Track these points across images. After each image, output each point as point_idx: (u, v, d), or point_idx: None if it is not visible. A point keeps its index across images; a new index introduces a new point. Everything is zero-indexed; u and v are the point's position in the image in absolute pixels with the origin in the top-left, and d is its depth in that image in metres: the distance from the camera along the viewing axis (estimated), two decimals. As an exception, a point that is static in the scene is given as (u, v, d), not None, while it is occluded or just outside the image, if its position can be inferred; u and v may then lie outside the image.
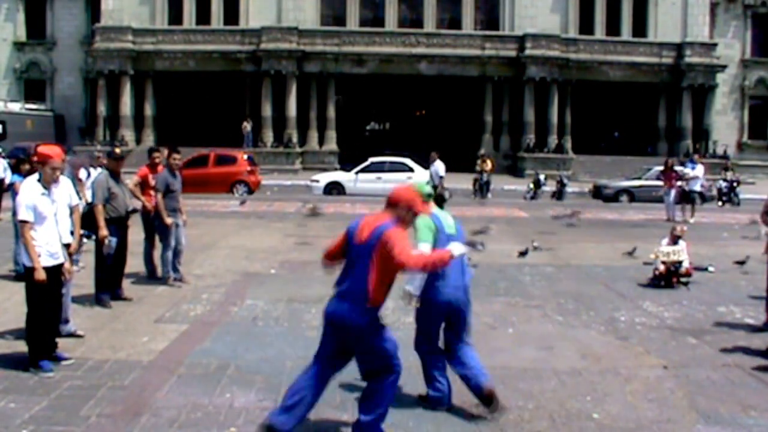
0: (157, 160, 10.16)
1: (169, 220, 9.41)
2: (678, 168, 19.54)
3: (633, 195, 25.78)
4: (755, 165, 41.16)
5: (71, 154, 24.87)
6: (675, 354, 7.01)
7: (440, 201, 19.51)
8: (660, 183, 21.13)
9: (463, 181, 28.19)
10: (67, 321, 7.02)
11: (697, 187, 19.46)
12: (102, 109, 38.00)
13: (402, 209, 4.64)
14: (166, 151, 9.92)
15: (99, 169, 10.73)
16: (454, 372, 5.43)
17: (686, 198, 19.17)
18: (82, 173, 11.99)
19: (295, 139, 37.56)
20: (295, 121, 37.71)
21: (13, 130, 33.57)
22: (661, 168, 20.77)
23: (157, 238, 9.87)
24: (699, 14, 40.73)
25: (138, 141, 37.65)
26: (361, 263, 4.53)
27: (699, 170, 19.55)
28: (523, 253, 12.27)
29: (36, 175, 6.26)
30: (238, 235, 14.45)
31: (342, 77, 38.22)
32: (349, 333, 4.61)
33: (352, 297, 4.57)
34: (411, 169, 26.01)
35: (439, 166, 17.25)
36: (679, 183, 19.16)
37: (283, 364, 6.37)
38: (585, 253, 13.28)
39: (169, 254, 9.61)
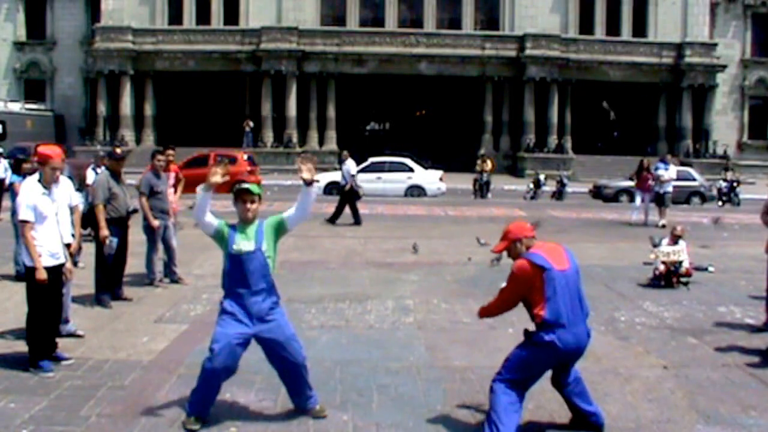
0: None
1: (155, 223, 9.39)
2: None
3: (633, 195, 25.73)
4: (755, 165, 41.18)
5: (72, 155, 24.89)
6: (675, 354, 7.01)
7: (354, 197, 19.77)
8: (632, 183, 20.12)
9: (463, 181, 28.20)
10: (67, 321, 7.02)
11: (670, 189, 17.96)
12: (102, 109, 38.04)
13: (520, 243, 4.97)
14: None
15: (102, 169, 10.72)
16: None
17: (659, 200, 17.82)
18: (90, 173, 11.98)
19: (295, 139, 37.58)
20: (295, 121, 37.75)
21: (13, 130, 33.56)
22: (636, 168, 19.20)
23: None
24: (699, 14, 40.77)
25: (138, 141, 37.68)
26: (574, 286, 4.87)
27: (672, 172, 18.09)
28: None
29: (36, 175, 6.26)
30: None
31: (342, 77, 38.23)
32: (581, 353, 4.99)
33: (582, 319, 4.93)
34: (411, 169, 26.01)
35: (350, 164, 17.40)
36: (650, 183, 18.02)
37: (283, 364, 6.37)
38: (585, 253, 13.27)
39: (155, 256, 9.58)
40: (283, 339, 5.08)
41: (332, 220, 16.60)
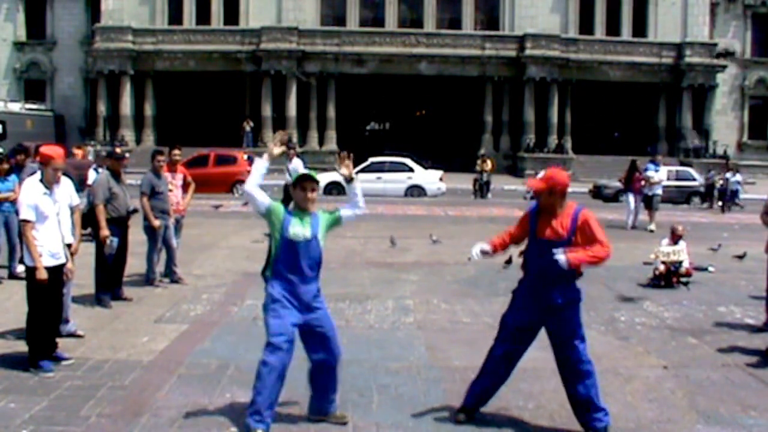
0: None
1: (156, 223, 9.39)
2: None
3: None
4: (755, 165, 41.19)
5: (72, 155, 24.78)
6: (675, 354, 7.01)
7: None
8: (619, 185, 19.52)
9: (463, 181, 28.21)
10: (67, 321, 7.01)
11: (659, 192, 17.30)
12: (102, 109, 38.06)
13: (564, 195, 4.99)
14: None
15: (102, 169, 10.71)
16: None
17: (647, 202, 17.12)
18: (91, 174, 11.98)
19: (295, 139, 37.54)
20: (295, 121, 37.74)
21: (13, 130, 33.53)
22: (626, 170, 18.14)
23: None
24: (699, 14, 40.78)
25: (138, 141, 37.70)
26: None
27: (662, 173, 17.51)
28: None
29: (37, 175, 6.26)
30: (239, 235, 14.47)
31: (342, 77, 38.23)
32: None
33: None
34: (411, 169, 26.01)
35: (297, 163, 17.21)
36: (641, 184, 17.26)
37: (283, 364, 6.36)
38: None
39: (155, 256, 9.58)
40: (330, 329, 4.98)
41: None
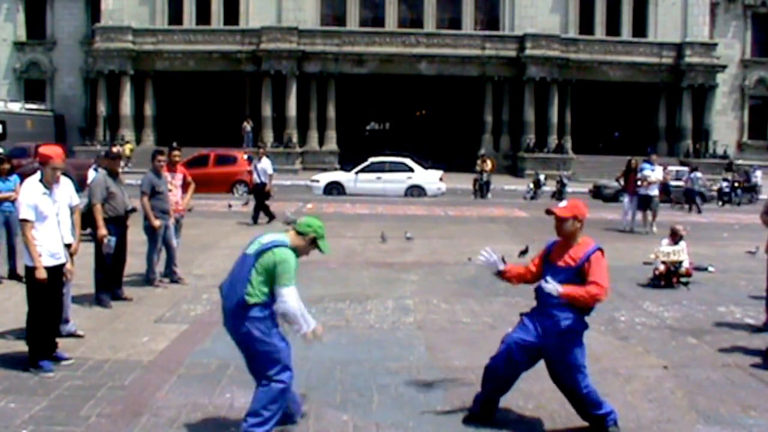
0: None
1: (156, 222, 9.40)
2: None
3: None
4: (755, 165, 41.15)
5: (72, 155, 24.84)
6: (675, 354, 7.01)
7: (265, 197, 19.17)
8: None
9: (463, 181, 28.21)
10: (67, 321, 7.02)
11: (656, 192, 16.68)
12: (102, 109, 38.05)
13: (581, 225, 5.10)
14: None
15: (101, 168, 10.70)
16: None
17: (646, 204, 16.51)
18: (91, 174, 11.98)
19: (295, 139, 37.58)
20: (295, 121, 37.74)
21: (13, 130, 33.52)
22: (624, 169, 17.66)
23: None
24: (699, 14, 40.77)
25: (138, 141, 37.68)
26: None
27: (658, 173, 16.91)
28: (523, 252, 12.23)
29: (37, 175, 6.26)
30: (238, 235, 14.46)
31: (342, 77, 38.22)
32: None
33: None
34: (411, 169, 26.00)
35: (266, 164, 17.06)
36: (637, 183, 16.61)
37: (283, 364, 6.35)
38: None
39: (155, 256, 9.59)
40: None
41: (254, 220, 16.42)
